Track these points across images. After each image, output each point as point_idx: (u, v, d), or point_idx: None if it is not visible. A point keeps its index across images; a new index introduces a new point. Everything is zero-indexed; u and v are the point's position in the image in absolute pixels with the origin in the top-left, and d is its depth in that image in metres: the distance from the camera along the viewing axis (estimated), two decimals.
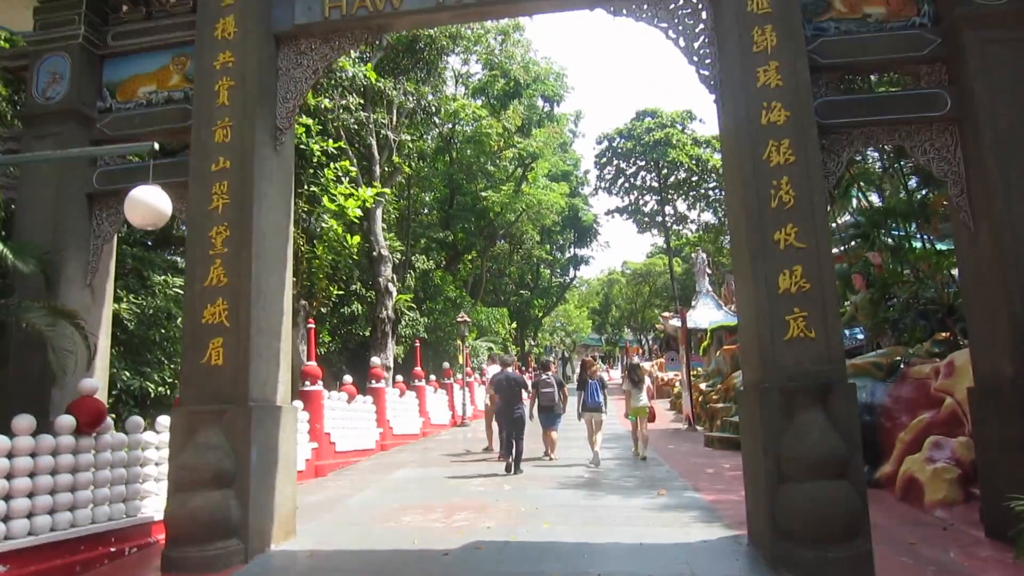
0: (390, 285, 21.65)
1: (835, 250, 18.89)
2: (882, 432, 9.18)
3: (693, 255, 49.88)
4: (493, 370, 15.08)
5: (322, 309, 16.96)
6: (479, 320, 32.77)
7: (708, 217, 59.09)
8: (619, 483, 9.77)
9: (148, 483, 7.30)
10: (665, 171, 55.79)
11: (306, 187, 14.77)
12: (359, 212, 15.35)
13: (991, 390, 6.48)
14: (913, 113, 6.84)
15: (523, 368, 35.24)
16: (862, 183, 16.13)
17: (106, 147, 7.45)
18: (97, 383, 6.90)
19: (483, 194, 31.70)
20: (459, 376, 22.46)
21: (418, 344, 20.29)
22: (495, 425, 13.03)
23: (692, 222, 59.78)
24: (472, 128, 31.64)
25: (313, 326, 12.17)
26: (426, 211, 33.25)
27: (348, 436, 13.02)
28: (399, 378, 18.04)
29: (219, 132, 7.17)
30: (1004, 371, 6.20)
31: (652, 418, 13.08)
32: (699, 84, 7.24)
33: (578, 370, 14.02)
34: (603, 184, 57.78)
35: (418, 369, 18.89)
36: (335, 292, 16.00)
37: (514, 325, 41.71)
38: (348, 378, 13.92)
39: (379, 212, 22.25)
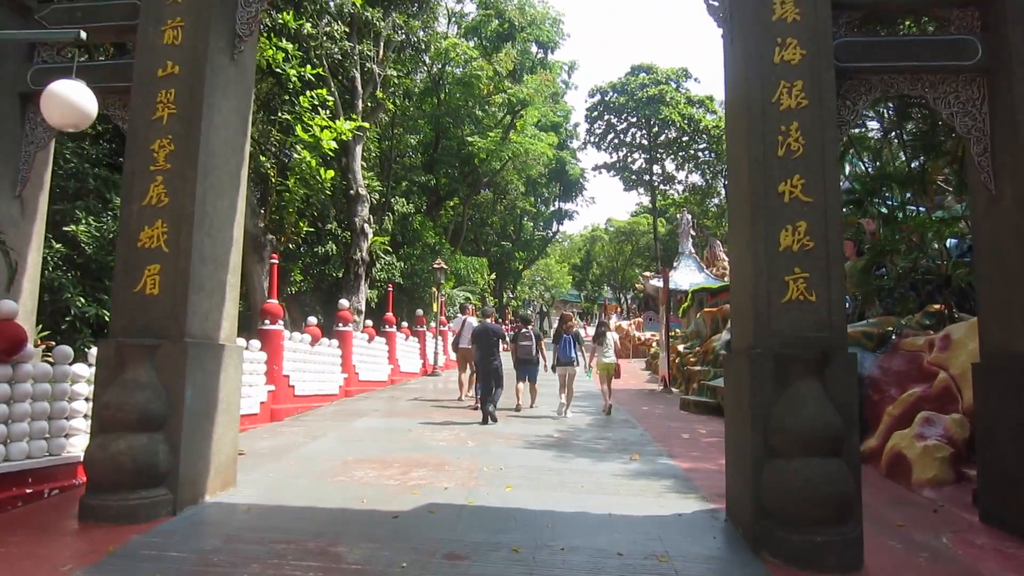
0: (366, 226, 20.85)
1: None
2: (869, 405, 8.71)
3: (679, 216, 49.36)
4: (458, 322, 15.29)
5: (291, 245, 16.17)
6: (457, 269, 32.12)
7: (696, 179, 58.50)
8: (590, 445, 9.28)
9: (77, 420, 6.66)
10: (656, 129, 54.85)
11: (279, 114, 13.86)
12: (334, 145, 14.47)
13: (999, 367, 5.97)
14: (940, 61, 6.16)
15: (500, 320, 34.77)
16: (856, 149, 15.51)
17: (18, 32, 6.57)
18: (16, 306, 6.17)
19: (469, 139, 30.69)
20: (432, 324, 21.86)
21: (391, 289, 19.60)
22: (465, 376, 13.90)
23: (679, 183, 59.17)
24: (462, 70, 30.52)
25: (277, 261, 11.42)
26: (409, 153, 32.19)
27: (309, 380, 12.42)
28: (368, 323, 17.40)
29: (169, 33, 6.35)
30: (1018, 346, 5.67)
31: (617, 374, 13.35)
32: (706, 17, 6.51)
33: (555, 324, 14.35)
34: (592, 139, 56.76)
35: (389, 315, 18.24)
36: (305, 228, 15.21)
37: (493, 276, 41.08)
38: (312, 319, 13.25)
39: (359, 149, 21.33)
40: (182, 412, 5.73)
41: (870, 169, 15.47)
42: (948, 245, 10.99)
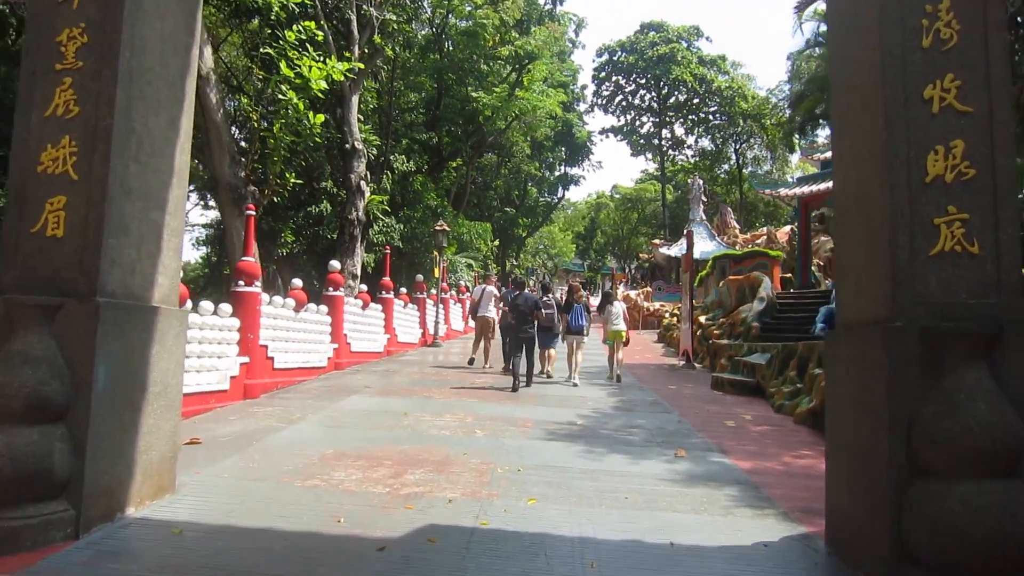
0: (362, 183, 19.18)
1: None
2: None
3: (689, 181, 47.53)
4: (478, 290, 15.44)
5: (276, 199, 14.51)
6: (460, 233, 30.41)
7: (705, 143, 56.59)
8: (622, 435, 7.73)
9: None
10: (665, 91, 52.91)
11: (260, 49, 12.14)
12: (324, 85, 12.73)
13: None
14: None
15: (501, 288, 33.17)
16: None
17: None
18: None
19: (474, 96, 28.79)
20: (433, 291, 20.28)
21: (388, 252, 17.95)
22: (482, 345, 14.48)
23: (688, 147, 57.31)
24: (466, 23, 28.56)
25: (254, 213, 9.77)
26: (411, 111, 30.31)
27: (292, 351, 10.88)
28: (363, 288, 15.82)
29: None
30: None
31: (626, 342, 13.71)
32: None
33: (564, 294, 14.56)
34: (600, 101, 54.84)
35: (386, 279, 16.64)
36: (292, 180, 13.55)
37: (497, 242, 39.42)
38: (297, 282, 11.62)
39: (355, 100, 19.58)
40: (91, 397, 4.17)
41: None
42: None
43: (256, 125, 12.74)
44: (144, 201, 4.73)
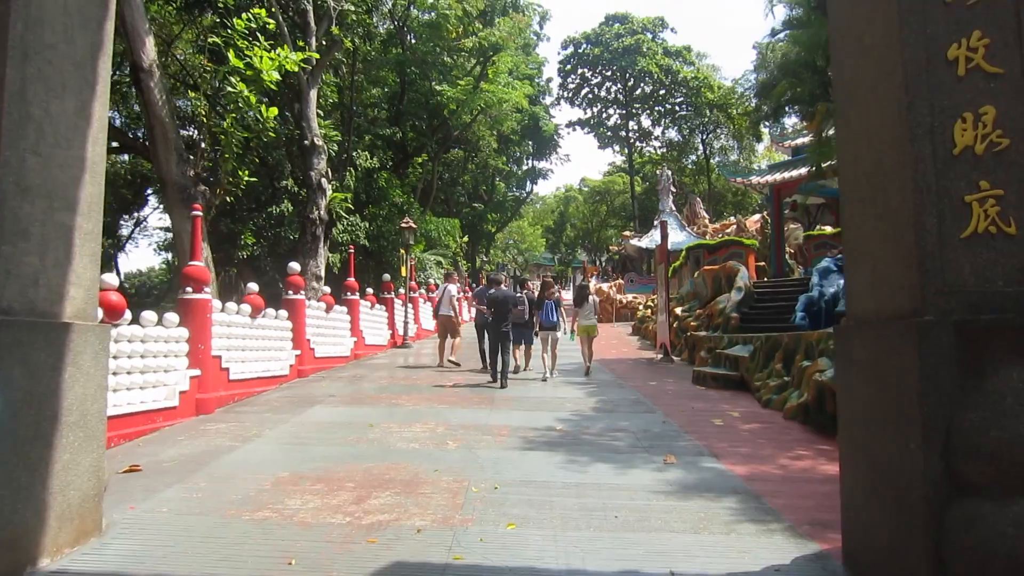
0: (324, 181, 18.41)
1: None
2: None
3: (657, 172, 47.33)
4: (441, 289, 15.45)
5: (228, 199, 13.73)
6: (428, 230, 29.78)
7: (672, 135, 56.49)
8: (605, 441, 7.19)
9: None
10: (631, 83, 52.65)
11: (207, 38, 11.38)
12: (277, 76, 11.99)
13: None
14: None
15: (472, 285, 32.54)
16: None
17: None
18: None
19: (438, 89, 28.10)
20: (401, 291, 19.60)
21: (352, 251, 17.24)
22: (447, 344, 14.49)
23: (656, 139, 57.14)
24: (428, 16, 27.85)
25: (200, 213, 9.04)
26: (373, 107, 29.52)
27: (249, 360, 10.19)
28: (327, 290, 15.12)
29: None
30: None
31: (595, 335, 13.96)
32: None
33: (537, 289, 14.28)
34: (566, 94, 54.42)
35: (351, 280, 15.94)
36: (246, 178, 12.78)
37: (466, 239, 38.76)
38: (253, 286, 10.89)
39: (313, 94, 18.78)
40: None
41: None
42: None
43: (206, 120, 11.96)
44: (47, 200, 4.05)
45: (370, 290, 17.91)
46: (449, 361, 14.20)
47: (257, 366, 10.35)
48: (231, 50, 11.42)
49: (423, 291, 24.34)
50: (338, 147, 22.95)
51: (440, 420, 8.09)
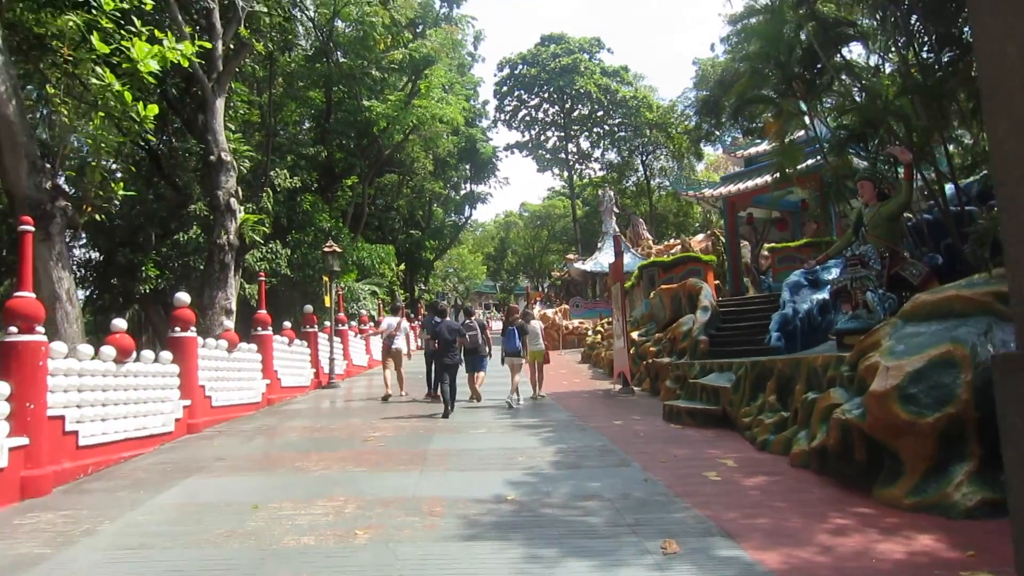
0: (233, 201, 16.21)
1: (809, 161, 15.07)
2: None
3: (600, 193, 46.21)
4: (388, 321, 15.27)
5: (98, 217, 11.45)
6: (360, 258, 27.68)
7: (612, 156, 55.66)
8: (574, 516, 5.29)
9: None
10: (569, 104, 51.68)
11: (65, 16, 9.29)
12: (155, 67, 9.89)
13: None
14: None
15: (411, 316, 30.46)
16: (845, 77, 12.26)
17: None
18: None
19: (366, 104, 26.20)
20: (327, 324, 17.46)
21: (263, 278, 15.03)
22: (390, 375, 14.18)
23: (595, 160, 56.26)
24: (353, 28, 26.02)
25: (30, 229, 6.86)
26: (296, 124, 27.40)
27: (112, 418, 7.98)
28: (229, 326, 12.97)
29: None
30: None
31: (547, 360, 14.01)
32: None
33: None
34: (503, 116, 53.12)
35: (262, 313, 13.78)
36: (120, 192, 10.54)
37: (402, 267, 36.66)
38: (120, 323, 8.63)
39: (220, 104, 16.64)
40: None
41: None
42: None
43: (68, 120, 9.80)
44: None
45: (287, 324, 15.71)
46: (399, 396, 14.06)
47: (122, 424, 8.15)
48: (95, 33, 9.30)
49: (355, 323, 22.18)
50: (252, 164, 20.76)
51: (353, 492, 6.07)
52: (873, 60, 13.22)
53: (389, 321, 15.19)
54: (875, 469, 5.73)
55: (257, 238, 17.66)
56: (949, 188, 10.20)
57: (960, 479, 5.11)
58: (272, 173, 21.72)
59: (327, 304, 17.12)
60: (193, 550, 4.65)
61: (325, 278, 17.21)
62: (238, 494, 6.17)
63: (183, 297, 10.20)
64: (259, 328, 13.45)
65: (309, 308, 17.06)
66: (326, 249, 16.88)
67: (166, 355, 9.51)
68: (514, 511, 5.40)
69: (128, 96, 9.94)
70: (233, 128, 19.49)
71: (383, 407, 12.59)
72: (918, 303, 6.39)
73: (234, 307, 16.10)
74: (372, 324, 24.54)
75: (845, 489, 5.80)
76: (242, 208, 16.99)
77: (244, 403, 11.94)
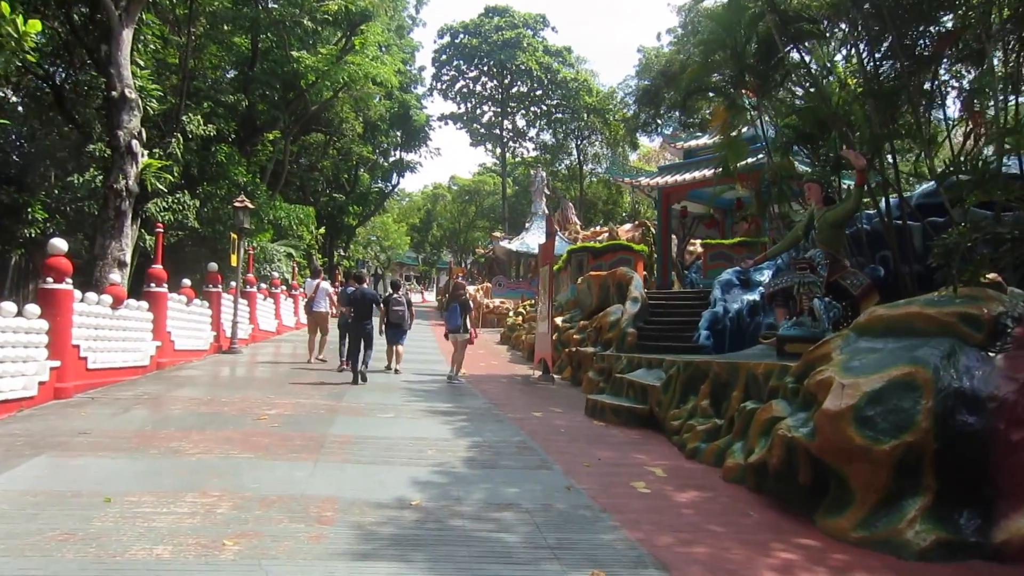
0: (135, 143, 14.73)
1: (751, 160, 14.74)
2: (999, 449, 4.71)
3: (532, 173, 45.60)
4: (311, 285, 15.21)
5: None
6: (277, 217, 26.22)
7: (547, 137, 55.10)
8: (487, 531, 4.58)
9: None
10: (508, 80, 50.70)
11: None
12: None
13: None
14: None
15: (334, 282, 29.16)
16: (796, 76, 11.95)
17: None
18: None
19: (295, 55, 24.61)
20: (233, 284, 16.19)
21: (161, 229, 13.63)
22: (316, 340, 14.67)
23: (530, 140, 55.56)
24: None
25: None
26: (217, 68, 25.53)
27: None
28: (116, 279, 11.67)
29: None
30: None
31: (472, 340, 13.60)
32: None
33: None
34: (440, 86, 51.72)
35: (157, 268, 12.48)
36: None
37: (322, 231, 35.15)
38: None
39: (127, 35, 15.05)
40: None
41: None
42: None
43: None
44: None
45: (188, 282, 14.41)
46: (317, 359, 14.40)
47: None
48: None
49: (264, 285, 20.86)
50: (164, 107, 19.09)
51: (231, 485, 5.19)
52: (838, 59, 12.86)
53: (309, 283, 15.55)
54: (818, 493, 5.25)
55: (161, 186, 16.19)
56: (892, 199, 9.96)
57: (913, 515, 4.64)
58: (185, 118, 20.03)
59: (234, 263, 15.85)
60: (9, 562, 3.70)
61: (233, 235, 15.92)
62: (92, 481, 5.19)
63: (59, 243, 8.92)
64: (152, 284, 12.17)
65: (214, 266, 15.75)
66: (237, 204, 15.60)
67: (32, 308, 8.28)
68: (418, 521, 4.65)
69: (5, 7, 8.56)
70: (142, 64, 17.81)
71: (285, 378, 11.63)
72: (874, 316, 5.93)
73: (128, 259, 14.71)
74: (284, 288, 23.27)
75: (785, 513, 5.29)
76: (146, 152, 15.50)
77: (128, 366, 10.73)
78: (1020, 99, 9.50)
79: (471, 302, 14.54)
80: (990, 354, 5.14)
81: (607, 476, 6.21)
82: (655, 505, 5.40)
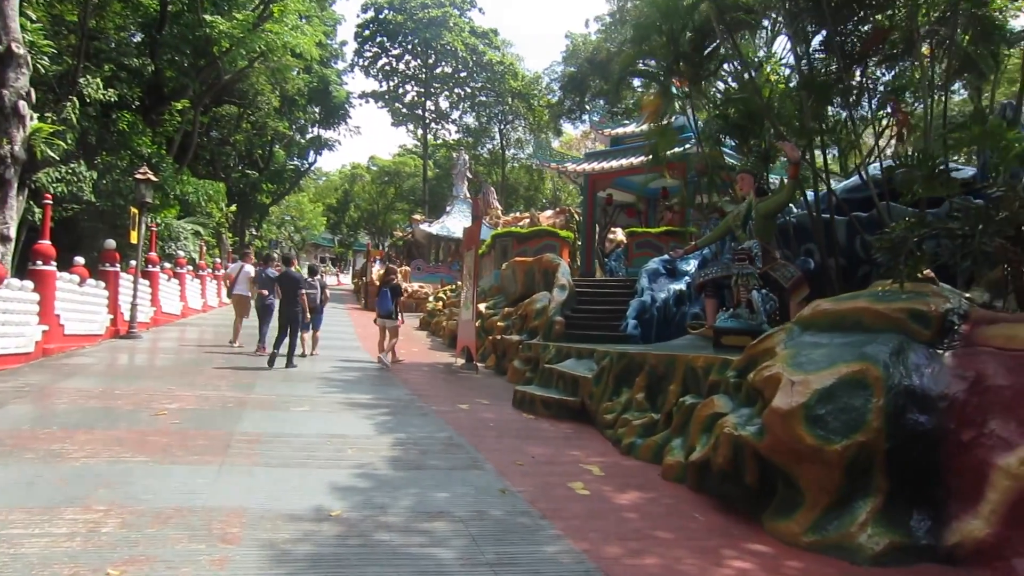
0: (22, 104, 13.35)
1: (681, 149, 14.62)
2: (950, 449, 4.56)
3: (454, 155, 44.91)
4: (235, 267, 15.01)
5: None
6: (185, 192, 24.77)
7: (470, 120, 54.42)
8: (418, 546, 4.08)
9: None
10: (433, 60, 49.66)
11: None
12: None
13: None
14: None
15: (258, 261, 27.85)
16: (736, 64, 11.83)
17: None
18: None
19: (208, 19, 23.14)
20: (133, 263, 15.00)
21: (49, 201, 12.39)
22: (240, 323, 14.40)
23: (453, 122, 54.73)
24: None
25: None
26: (121, 30, 23.74)
27: None
28: None
29: None
30: None
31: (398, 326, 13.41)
32: None
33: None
34: (362, 62, 50.22)
35: (44, 244, 11.32)
36: None
37: (233, 208, 33.53)
38: None
39: None
40: None
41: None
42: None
43: None
44: None
45: (81, 260, 13.21)
46: (231, 343, 13.96)
47: None
48: None
49: (169, 265, 19.57)
50: (59, 68, 17.54)
51: (121, 497, 4.53)
52: (772, 50, 12.83)
53: (233, 266, 15.50)
54: (764, 494, 5.03)
55: (52, 154, 14.79)
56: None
57: (864, 517, 4.45)
58: (83, 80, 18.49)
59: (135, 240, 14.69)
60: None
61: (134, 210, 14.73)
62: None
63: None
64: (39, 262, 11.04)
65: (112, 243, 14.54)
66: (139, 176, 14.43)
67: None
68: (339, 536, 4.13)
69: None
70: (34, 18, 16.28)
71: (190, 367, 10.77)
72: (819, 310, 5.75)
73: (12, 234, 13.37)
74: (191, 268, 22.00)
75: (730, 515, 5.04)
76: (35, 116, 14.14)
77: (7, 353, 9.66)
78: (942, 97, 9.65)
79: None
80: (938, 352, 5.01)
81: (543, 476, 5.83)
82: (597, 509, 5.05)
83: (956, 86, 9.03)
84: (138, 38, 25.26)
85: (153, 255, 17.38)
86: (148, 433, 6.27)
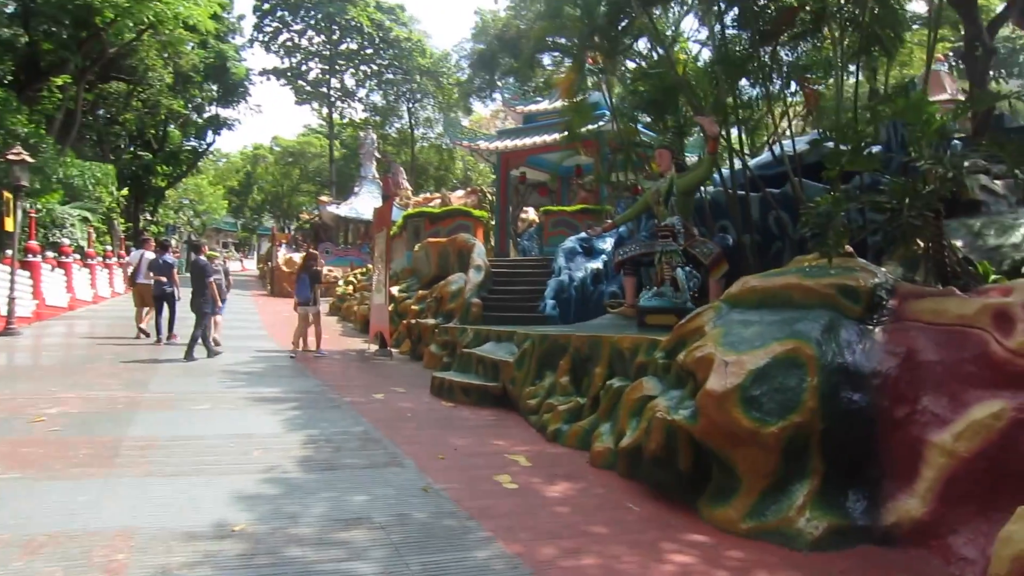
0: None
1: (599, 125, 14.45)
2: (884, 427, 4.49)
3: (361, 135, 43.69)
4: (136, 255, 14.58)
5: None
6: (69, 176, 22.93)
7: (377, 99, 53.10)
8: (336, 557, 3.66)
9: None
10: (337, 36, 48.01)
11: None
12: None
13: None
14: None
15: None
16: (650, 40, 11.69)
17: None
18: None
19: None
20: (9, 253, 13.71)
21: None
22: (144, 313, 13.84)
23: (360, 100, 53.22)
24: None
25: None
26: None
27: None
28: None
29: None
30: None
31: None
32: None
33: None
34: (262, 37, 47.99)
35: None
36: None
37: (125, 192, 31.49)
38: None
39: None
40: None
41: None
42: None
43: None
44: None
45: None
46: (140, 329, 13.62)
47: None
48: None
49: (52, 254, 18.10)
50: None
51: None
52: (685, 26, 12.76)
53: (133, 254, 15.22)
54: (699, 480, 4.85)
55: None
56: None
57: (802, 501, 4.31)
58: None
59: (9, 228, 13.41)
60: None
61: (7, 194, 13.43)
62: None
63: None
64: None
65: None
66: (11, 157, 13.14)
67: None
68: (244, 556, 3.66)
69: None
70: None
71: (76, 364, 9.88)
72: (747, 287, 5.60)
73: None
74: (78, 256, 20.47)
75: (665, 503, 4.84)
76: None
77: None
78: (848, 76, 9.78)
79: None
80: (869, 327, 4.94)
81: (467, 470, 5.49)
82: (527, 505, 4.75)
83: (851, 68, 9.12)
84: (11, 8, 23.20)
85: (33, 243, 16.00)
86: (21, 444, 5.56)
